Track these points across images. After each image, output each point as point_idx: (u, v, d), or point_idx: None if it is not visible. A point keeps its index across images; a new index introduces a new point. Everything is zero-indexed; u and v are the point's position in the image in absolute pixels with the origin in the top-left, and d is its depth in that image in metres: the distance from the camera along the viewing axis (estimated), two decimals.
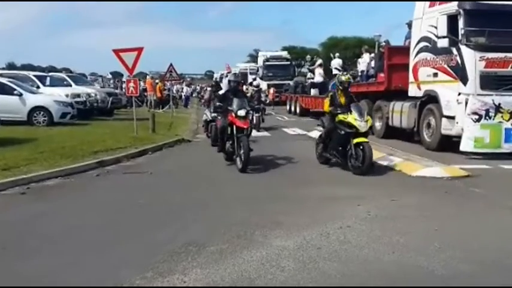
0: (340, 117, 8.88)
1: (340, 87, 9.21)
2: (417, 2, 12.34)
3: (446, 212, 6.24)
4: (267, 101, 20.50)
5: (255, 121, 15.29)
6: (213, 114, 12.37)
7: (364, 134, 8.73)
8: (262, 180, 8.28)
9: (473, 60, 10.25)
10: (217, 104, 9.70)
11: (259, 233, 5.18)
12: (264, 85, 21.05)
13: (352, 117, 8.71)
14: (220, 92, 11.94)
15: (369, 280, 4.05)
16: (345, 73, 9.74)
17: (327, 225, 5.43)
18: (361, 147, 8.51)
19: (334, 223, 5.52)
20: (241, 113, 9.01)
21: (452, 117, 10.62)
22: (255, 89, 17.97)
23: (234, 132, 9.04)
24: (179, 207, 6.45)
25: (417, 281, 4.04)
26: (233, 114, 9.04)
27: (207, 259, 4.41)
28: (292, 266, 4.27)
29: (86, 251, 4.72)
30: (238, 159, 8.99)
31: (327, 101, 9.26)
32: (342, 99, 9.13)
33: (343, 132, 8.78)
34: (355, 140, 8.58)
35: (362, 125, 8.67)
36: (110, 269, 4.24)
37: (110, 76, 42.93)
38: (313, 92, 21.41)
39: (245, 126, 9.11)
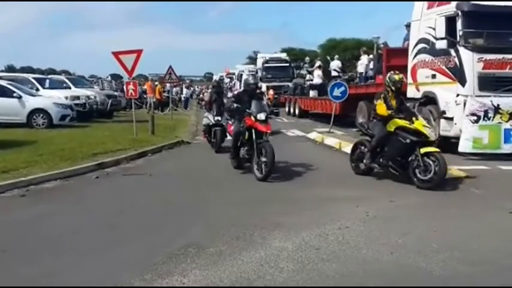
0: (401, 122, 7.90)
1: (393, 88, 8.18)
2: (415, 4, 12.37)
3: (445, 213, 6.26)
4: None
5: None
6: (216, 118, 11.75)
7: (433, 143, 7.82)
8: (261, 181, 8.28)
9: (471, 62, 10.27)
10: (235, 105, 8.84)
11: (258, 234, 5.20)
12: (263, 87, 21.00)
13: (420, 124, 7.76)
14: (234, 93, 11.33)
15: (367, 281, 4.07)
16: (397, 72, 8.72)
17: (326, 226, 5.45)
18: (433, 158, 7.51)
19: (333, 224, 5.54)
20: (262, 116, 8.45)
21: (451, 119, 10.64)
22: (257, 91, 17.38)
23: (254, 137, 8.45)
24: (178, 209, 6.47)
25: (416, 282, 4.06)
26: (252, 118, 8.48)
27: (206, 261, 4.42)
28: (291, 267, 4.29)
29: (86, 253, 4.73)
30: (255, 166, 8.34)
31: (381, 103, 8.13)
32: (393, 102, 8.18)
33: (408, 140, 7.71)
34: (424, 150, 7.56)
35: (431, 133, 7.78)
36: (109, 271, 4.25)
37: (109, 78, 42.91)
38: (312, 93, 21.43)
39: (268, 131, 8.59)
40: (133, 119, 13.82)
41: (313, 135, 14.75)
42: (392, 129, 8.02)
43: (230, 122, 9.51)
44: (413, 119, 7.85)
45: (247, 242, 4.95)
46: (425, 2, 11.85)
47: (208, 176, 8.92)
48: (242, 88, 9.99)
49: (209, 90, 16.30)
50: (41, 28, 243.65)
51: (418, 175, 7.62)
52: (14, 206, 6.63)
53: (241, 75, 37.55)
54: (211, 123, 12.03)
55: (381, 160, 8.20)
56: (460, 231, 5.49)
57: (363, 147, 8.65)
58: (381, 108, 8.13)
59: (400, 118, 7.97)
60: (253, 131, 8.48)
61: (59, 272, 4.25)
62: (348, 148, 11.65)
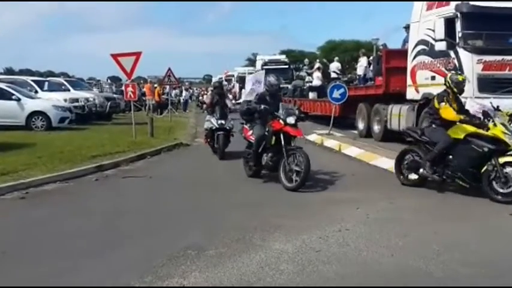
0: (472, 129, 7.14)
1: (455, 90, 7.48)
2: (414, 5, 12.39)
3: (445, 215, 6.26)
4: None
5: None
6: (219, 122, 10.92)
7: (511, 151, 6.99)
8: (260, 183, 8.27)
9: (470, 63, 10.27)
10: (263, 107, 8.14)
11: (258, 236, 5.19)
12: None
13: (499, 130, 6.95)
14: (246, 91, 9.60)
15: (368, 283, 4.06)
16: (458, 72, 7.70)
17: (326, 229, 5.44)
18: None
19: (333, 226, 5.53)
20: (291, 120, 7.86)
21: None
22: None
23: (283, 142, 7.75)
24: (178, 211, 6.44)
25: (416, 283, 4.06)
26: (281, 122, 7.87)
27: (206, 263, 4.41)
28: (291, 269, 4.27)
29: (85, 255, 4.71)
30: (283, 175, 7.67)
31: (448, 107, 7.32)
32: (455, 105, 7.43)
33: (485, 149, 6.91)
34: (503, 159, 6.83)
35: (511, 140, 6.94)
36: (109, 273, 4.24)
37: (108, 81, 42.91)
38: (311, 95, 21.42)
39: (300, 136, 8.11)
40: (133, 121, 13.81)
41: (312, 137, 14.73)
42: (461, 136, 7.21)
43: (246, 126, 8.76)
44: (491, 125, 7.07)
45: (247, 245, 4.93)
46: (425, 4, 11.87)
47: (207, 178, 8.91)
48: (264, 89, 8.95)
49: (208, 93, 15.89)
50: (40, 31, 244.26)
51: (496, 188, 6.85)
52: (13, 208, 6.62)
53: (241, 77, 37.48)
54: (214, 128, 11.06)
55: (445, 171, 7.32)
56: (460, 233, 5.48)
57: (414, 156, 7.83)
58: (449, 113, 7.30)
59: (477, 124, 7.20)
60: (281, 136, 7.80)
61: (58, 274, 4.23)
62: (347, 150, 11.68)
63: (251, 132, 8.54)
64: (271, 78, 8.75)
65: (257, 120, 8.41)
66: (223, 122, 10.96)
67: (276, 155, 7.93)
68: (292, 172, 7.54)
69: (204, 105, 13.05)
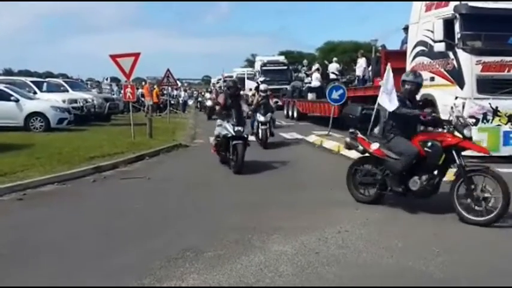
0: None
1: None
2: (413, 6, 12.39)
3: (444, 216, 6.22)
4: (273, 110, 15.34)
5: (261, 135, 13.28)
6: (237, 128, 9.29)
7: None
8: (260, 185, 8.24)
9: (469, 64, 10.28)
10: (433, 115, 6.40)
11: (257, 238, 5.17)
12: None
13: None
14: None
15: (367, 284, 4.05)
16: None
17: (325, 230, 5.42)
18: None
19: (333, 227, 5.51)
20: (469, 133, 6.05)
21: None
22: (263, 94, 14.51)
23: (457, 161, 5.93)
24: (176, 213, 6.42)
25: (416, 285, 4.04)
26: (458, 134, 6.05)
27: (205, 265, 4.39)
28: (291, 270, 4.26)
29: (83, 257, 4.69)
30: (459, 204, 5.85)
31: None
32: None
33: None
34: None
35: None
36: (108, 275, 4.21)
37: (109, 81, 42.86)
38: (310, 96, 21.43)
39: (487, 153, 6.57)
40: (131, 122, 13.78)
41: (311, 138, 14.72)
42: None
43: (361, 135, 6.86)
44: None
45: (246, 246, 4.91)
46: (423, 5, 11.87)
47: (206, 179, 8.86)
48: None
49: (207, 95, 15.39)
50: (40, 32, 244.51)
51: None
52: (11, 210, 6.58)
53: (240, 78, 37.46)
54: (229, 135, 9.33)
55: None
56: (460, 234, 5.47)
57: None
58: None
59: None
60: (454, 153, 5.98)
61: (55, 276, 4.20)
62: (347, 151, 11.63)
63: (377, 145, 6.57)
64: (409, 75, 7.02)
65: (393, 130, 6.55)
66: (240, 129, 9.35)
67: (436, 177, 6.24)
68: (480, 201, 5.72)
69: (217, 108, 10.27)
